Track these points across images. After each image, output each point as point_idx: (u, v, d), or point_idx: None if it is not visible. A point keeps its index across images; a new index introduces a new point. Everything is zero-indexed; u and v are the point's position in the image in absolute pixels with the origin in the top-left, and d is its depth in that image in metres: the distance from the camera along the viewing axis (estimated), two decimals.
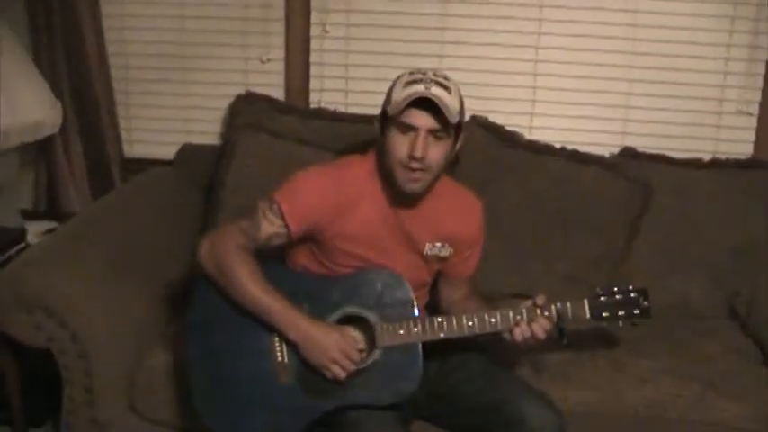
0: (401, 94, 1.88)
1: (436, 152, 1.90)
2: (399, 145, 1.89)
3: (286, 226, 1.95)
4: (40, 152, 3.00)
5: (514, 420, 1.90)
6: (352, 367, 1.89)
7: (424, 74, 1.92)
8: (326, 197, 1.96)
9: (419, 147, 1.86)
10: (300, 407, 1.94)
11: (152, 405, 2.23)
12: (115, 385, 2.22)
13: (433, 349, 1.98)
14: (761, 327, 2.42)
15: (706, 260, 2.64)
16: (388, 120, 1.92)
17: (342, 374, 1.89)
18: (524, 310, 1.93)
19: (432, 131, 1.88)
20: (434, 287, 2.21)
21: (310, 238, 2.01)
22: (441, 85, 1.89)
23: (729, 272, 2.62)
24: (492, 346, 2.07)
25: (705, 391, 2.18)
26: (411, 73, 1.94)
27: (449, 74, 1.96)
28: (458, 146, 1.99)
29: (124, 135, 3.06)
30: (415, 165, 1.88)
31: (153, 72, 3.04)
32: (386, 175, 1.96)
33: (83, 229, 2.44)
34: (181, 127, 3.06)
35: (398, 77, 1.96)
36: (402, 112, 1.87)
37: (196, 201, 2.82)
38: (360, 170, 2.02)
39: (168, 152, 2.95)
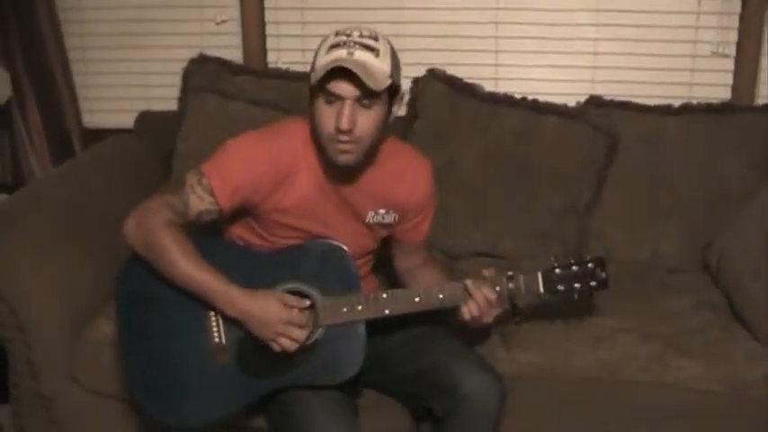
0: (323, 60, 1.72)
1: (366, 121, 1.73)
2: (326, 117, 1.73)
3: (216, 202, 1.82)
4: (1, 124, 2.97)
5: (446, 387, 1.82)
6: (303, 336, 1.79)
7: (349, 35, 1.74)
8: (260, 170, 1.81)
9: (345, 118, 1.70)
10: (238, 388, 1.85)
11: (95, 377, 2.18)
12: (57, 358, 2.18)
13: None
14: (730, 279, 2.27)
15: (678, 211, 2.52)
16: (312, 88, 1.76)
17: (291, 347, 1.78)
18: (471, 283, 1.83)
19: (359, 99, 1.72)
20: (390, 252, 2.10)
21: (245, 211, 1.89)
22: (366, 47, 1.72)
23: (703, 223, 2.49)
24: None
25: (665, 350, 2.08)
26: (336, 34, 1.76)
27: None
28: (395, 108, 1.83)
29: (84, 104, 3.00)
30: (343, 137, 1.73)
31: (109, 39, 2.97)
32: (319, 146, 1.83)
33: (28, 198, 2.38)
34: (141, 93, 2.99)
35: (324, 39, 1.77)
36: (324, 80, 1.70)
37: (156, 169, 2.75)
38: (296, 137, 1.86)
39: (129, 120, 2.89)
